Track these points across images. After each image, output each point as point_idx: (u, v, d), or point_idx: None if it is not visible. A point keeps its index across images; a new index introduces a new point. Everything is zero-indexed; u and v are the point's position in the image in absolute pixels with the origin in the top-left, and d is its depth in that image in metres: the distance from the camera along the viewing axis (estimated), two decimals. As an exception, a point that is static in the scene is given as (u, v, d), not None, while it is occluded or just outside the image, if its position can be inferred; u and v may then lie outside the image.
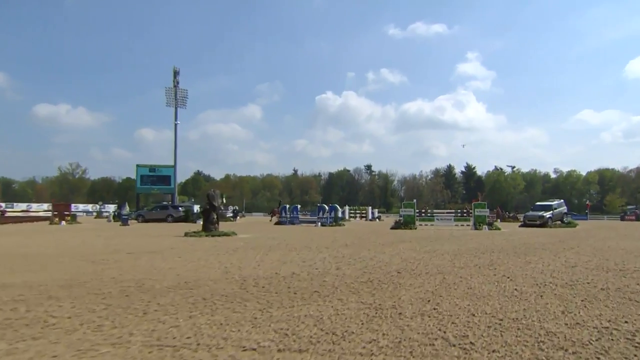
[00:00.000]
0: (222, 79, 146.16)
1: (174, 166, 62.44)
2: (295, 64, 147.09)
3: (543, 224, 25.37)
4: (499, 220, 39.71)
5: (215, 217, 15.63)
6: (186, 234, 15.31)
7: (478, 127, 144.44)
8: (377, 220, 39.12)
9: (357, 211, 42.25)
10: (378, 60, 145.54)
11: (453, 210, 24.29)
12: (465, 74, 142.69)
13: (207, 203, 15.83)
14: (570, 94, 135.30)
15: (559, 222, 26.95)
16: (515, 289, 5.18)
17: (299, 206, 29.79)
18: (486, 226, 21.50)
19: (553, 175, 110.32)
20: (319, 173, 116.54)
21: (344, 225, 25.99)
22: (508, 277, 6.14)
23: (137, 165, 59.70)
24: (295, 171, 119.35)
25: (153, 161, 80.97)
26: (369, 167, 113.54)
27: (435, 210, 23.64)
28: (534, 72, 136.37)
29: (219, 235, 15.06)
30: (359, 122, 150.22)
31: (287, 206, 28.92)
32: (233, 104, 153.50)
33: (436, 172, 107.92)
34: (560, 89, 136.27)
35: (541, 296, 4.82)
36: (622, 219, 51.22)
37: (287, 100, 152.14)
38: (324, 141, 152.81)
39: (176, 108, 64.39)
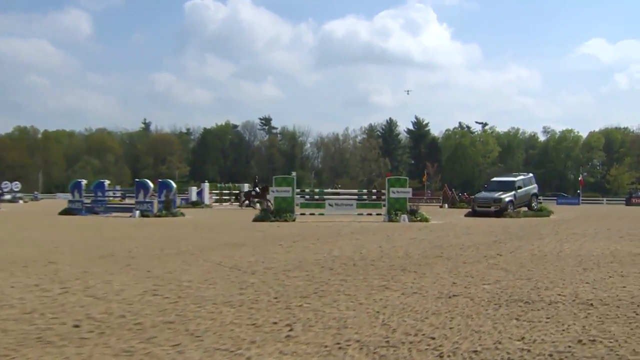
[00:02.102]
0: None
1: None
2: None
3: (500, 211, 26.13)
4: (446, 205, 41.39)
5: None
6: None
7: (440, 62, 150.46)
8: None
9: (228, 191, 40.85)
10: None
11: (356, 191, 23.78)
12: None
13: None
14: (574, 15, 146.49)
15: (526, 207, 27.94)
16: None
17: (106, 182, 27.55)
18: (405, 216, 21.44)
19: (542, 138, 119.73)
20: (188, 129, 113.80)
21: (182, 215, 24.71)
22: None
23: None
24: (147, 125, 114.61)
25: None
26: (266, 121, 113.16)
27: (326, 191, 22.91)
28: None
29: None
30: (257, 49, 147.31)
31: (83, 182, 26.37)
32: (36, 4, 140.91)
33: (370, 131, 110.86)
34: (561, 7, 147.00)
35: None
36: (628, 202, 56.42)
37: (135, 6, 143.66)
38: (201, 78, 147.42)
39: None
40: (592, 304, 6.13)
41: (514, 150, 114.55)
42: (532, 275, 8.22)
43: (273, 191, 21.97)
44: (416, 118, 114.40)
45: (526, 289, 7.09)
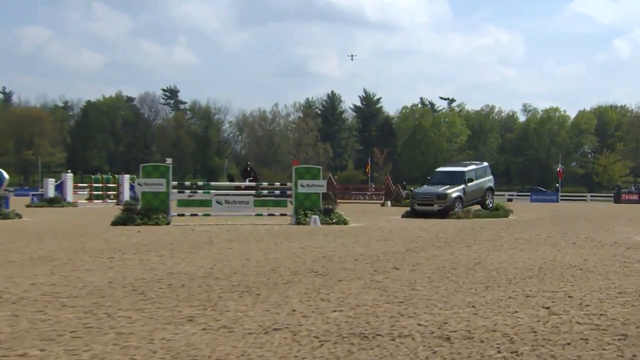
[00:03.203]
0: None
1: None
2: None
3: (444, 210, 26.36)
4: (389, 203, 41.65)
5: None
6: None
7: (399, 22, 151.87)
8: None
9: (101, 184, 39.98)
10: None
11: (253, 184, 23.60)
12: None
13: None
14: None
15: (478, 205, 28.29)
16: None
17: None
18: (316, 217, 21.49)
19: (521, 118, 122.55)
20: (66, 102, 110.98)
21: (16, 216, 24.69)
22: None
23: None
24: (7, 96, 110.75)
25: None
26: (171, 93, 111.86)
27: (214, 183, 22.52)
28: None
29: None
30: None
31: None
32: None
33: (306, 108, 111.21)
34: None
35: None
36: (617, 198, 58.35)
37: None
38: (86, 35, 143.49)
39: None
40: (449, 338, 5.88)
41: (487, 133, 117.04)
42: (412, 297, 8.09)
43: (140, 184, 21.30)
44: (365, 92, 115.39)
45: (383, 318, 6.87)
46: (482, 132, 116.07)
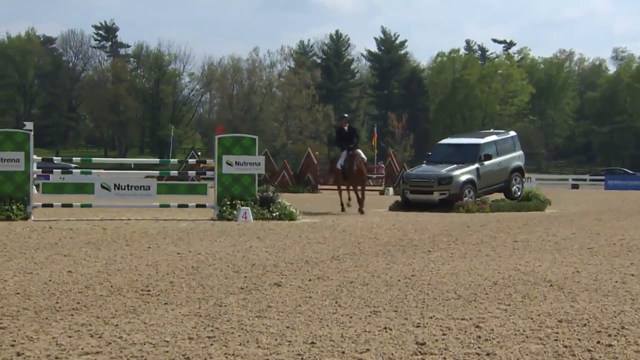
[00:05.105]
0: None
1: None
2: None
3: (449, 199, 26.28)
4: (390, 190, 41.68)
5: None
6: None
7: None
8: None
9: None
10: None
11: (157, 161, 23.54)
12: None
13: None
14: None
15: (502, 192, 28.55)
16: None
17: None
18: (247, 209, 21.44)
19: (610, 68, 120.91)
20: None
21: None
22: None
23: None
24: None
25: None
26: (108, 32, 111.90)
27: (99, 160, 22.37)
28: None
29: None
30: None
31: None
32: None
33: (299, 56, 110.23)
34: None
35: None
36: None
37: None
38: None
39: None
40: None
41: (560, 91, 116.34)
42: (239, 330, 7.99)
43: None
44: (384, 33, 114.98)
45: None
46: (553, 89, 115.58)
